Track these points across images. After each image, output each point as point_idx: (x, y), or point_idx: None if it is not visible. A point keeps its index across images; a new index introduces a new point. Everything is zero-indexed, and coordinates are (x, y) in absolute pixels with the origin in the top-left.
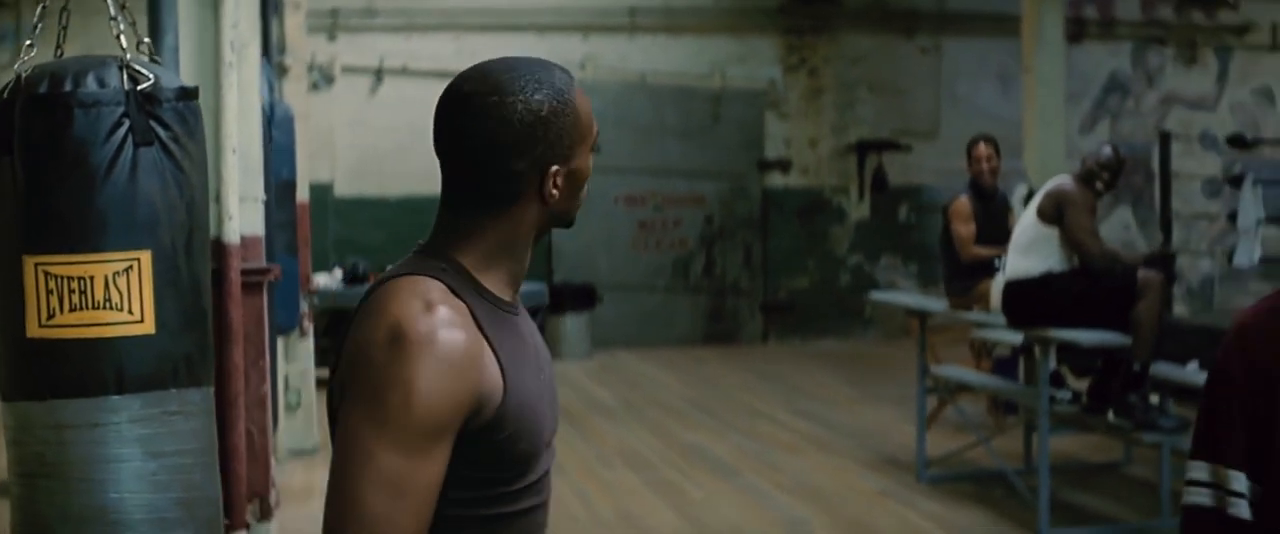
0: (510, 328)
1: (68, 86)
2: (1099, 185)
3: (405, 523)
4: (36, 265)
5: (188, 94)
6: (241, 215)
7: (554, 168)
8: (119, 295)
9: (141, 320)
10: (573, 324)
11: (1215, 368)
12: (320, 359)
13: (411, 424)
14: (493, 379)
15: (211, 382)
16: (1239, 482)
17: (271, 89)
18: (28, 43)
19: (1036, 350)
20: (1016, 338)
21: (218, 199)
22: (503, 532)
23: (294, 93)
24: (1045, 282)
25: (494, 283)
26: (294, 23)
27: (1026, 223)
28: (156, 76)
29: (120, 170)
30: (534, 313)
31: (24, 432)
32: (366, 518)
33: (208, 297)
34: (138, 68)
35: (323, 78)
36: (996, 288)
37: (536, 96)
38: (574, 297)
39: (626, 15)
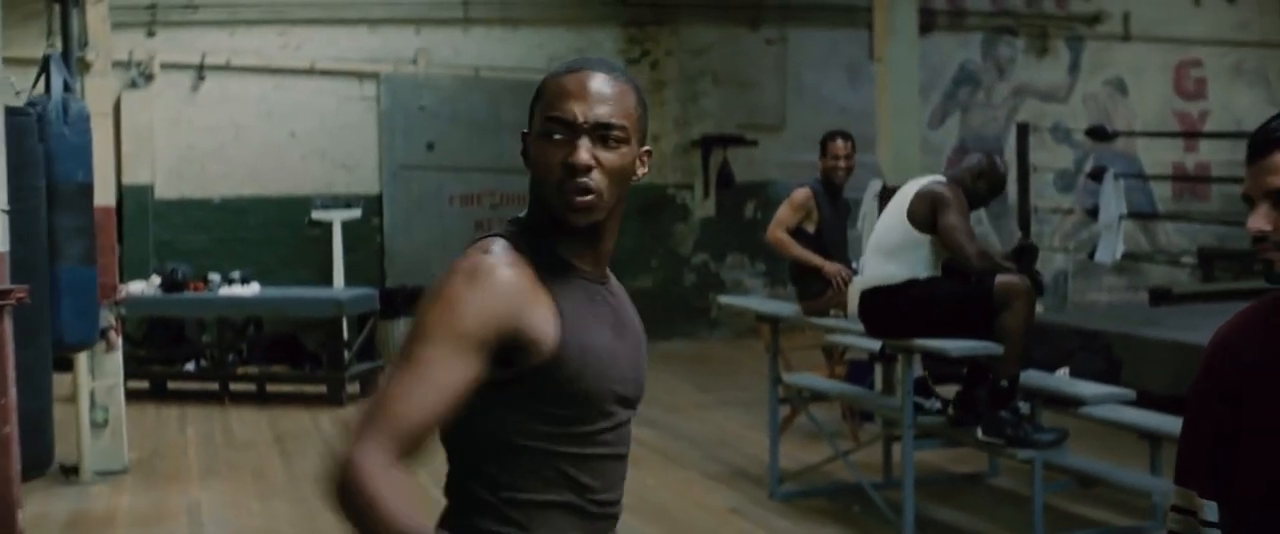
0: (582, 289)
1: None
2: (975, 196)
3: (416, 406)
4: None
5: None
6: None
7: (523, 130)
8: None
9: None
10: (406, 330)
11: (1192, 389)
12: (134, 371)
13: (443, 326)
14: (542, 318)
15: None
16: (1211, 511)
17: (67, 86)
18: None
19: (900, 360)
20: (873, 344)
21: None
22: (577, 470)
23: (99, 89)
24: (907, 288)
25: (567, 250)
26: (96, 14)
27: (891, 225)
28: None
29: None
30: (364, 318)
31: None
32: (386, 391)
33: None
34: None
35: (141, 75)
36: (854, 291)
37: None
38: (407, 300)
39: (460, 8)
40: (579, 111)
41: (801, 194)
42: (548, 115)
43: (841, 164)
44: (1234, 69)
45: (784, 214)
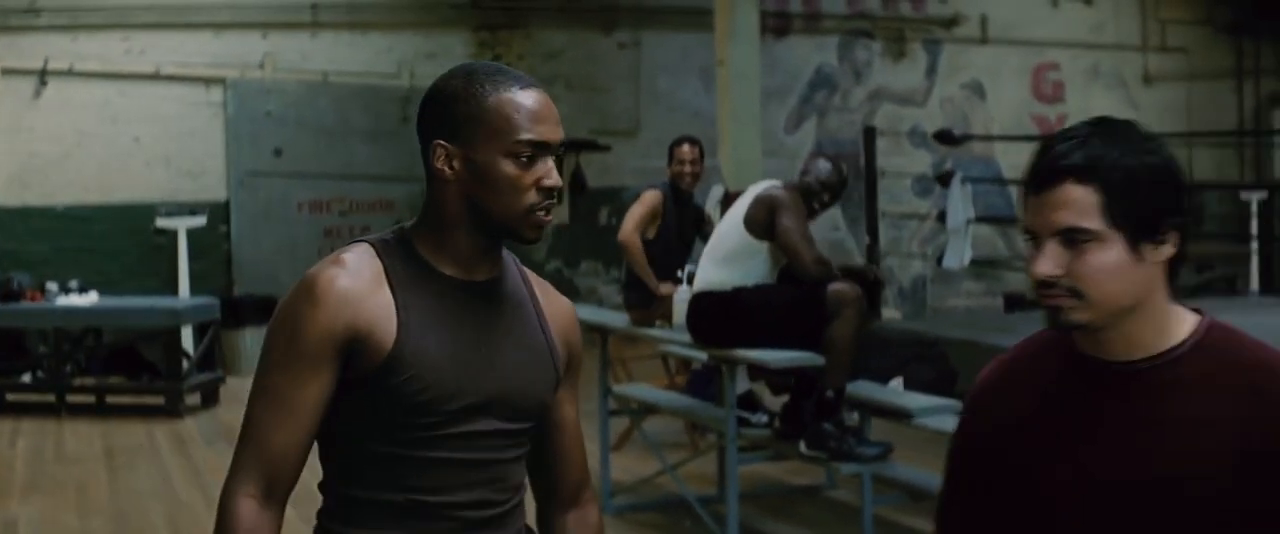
0: (443, 296)
1: None
2: (816, 205)
3: (280, 434)
4: None
5: None
6: None
7: (438, 141)
8: None
9: None
10: (253, 339)
11: (956, 431)
12: None
13: (288, 349)
14: (381, 322)
15: None
16: None
17: None
18: None
19: (723, 370)
20: (703, 355)
21: None
22: (413, 472)
23: None
24: (736, 296)
25: (437, 255)
26: None
27: (727, 231)
28: None
29: None
30: (205, 328)
31: None
32: (249, 425)
33: None
34: None
35: None
36: (681, 300)
37: (452, 81)
38: (255, 309)
39: (308, 12)
40: (551, 135)
41: (652, 195)
42: (518, 138)
43: (688, 169)
44: (1091, 72)
45: (639, 214)
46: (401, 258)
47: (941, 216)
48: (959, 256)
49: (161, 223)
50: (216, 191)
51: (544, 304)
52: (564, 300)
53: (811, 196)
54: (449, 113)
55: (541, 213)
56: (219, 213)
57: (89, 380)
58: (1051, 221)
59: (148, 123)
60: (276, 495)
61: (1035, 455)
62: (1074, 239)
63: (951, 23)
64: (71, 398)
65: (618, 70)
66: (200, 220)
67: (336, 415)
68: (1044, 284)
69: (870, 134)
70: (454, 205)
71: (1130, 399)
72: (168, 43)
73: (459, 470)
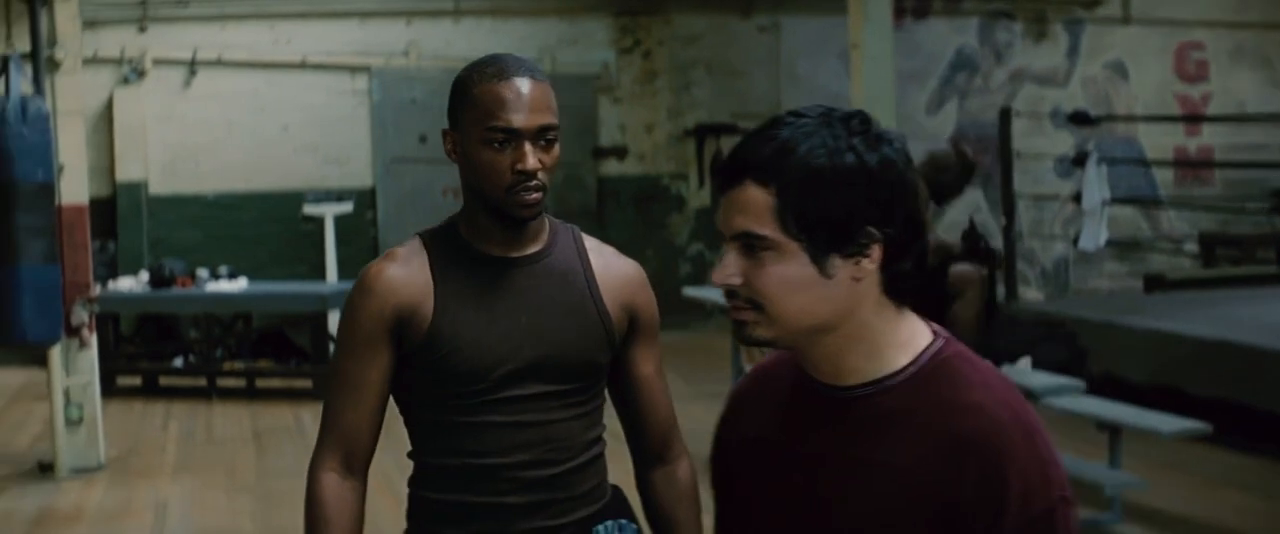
0: (478, 273)
1: None
2: (942, 190)
3: (350, 412)
4: None
5: None
6: None
7: (444, 129)
8: None
9: None
10: None
11: (713, 442)
12: (125, 367)
13: (350, 337)
14: (421, 303)
15: None
16: None
17: (37, 87)
18: None
19: None
20: None
21: None
22: (464, 436)
23: (69, 87)
24: None
25: (474, 235)
26: (65, 13)
27: None
28: None
29: None
30: None
31: None
32: (326, 407)
33: None
34: None
35: (133, 71)
36: None
37: (462, 73)
38: None
39: (451, 0)
40: (520, 121)
41: None
42: (490, 125)
43: None
44: (1235, 51)
45: None
46: (444, 242)
47: (1078, 197)
48: (1095, 238)
49: (309, 209)
50: (362, 178)
51: (599, 272)
52: (627, 266)
53: (936, 181)
54: (452, 103)
55: (522, 193)
56: (365, 199)
57: (238, 364)
58: (730, 224)
59: (295, 111)
60: (355, 467)
61: (758, 477)
62: (752, 246)
63: (1093, 2)
64: (221, 381)
65: (757, 54)
66: (346, 207)
67: (401, 391)
68: (728, 293)
69: (1006, 115)
70: (467, 188)
71: (841, 430)
72: (313, 32)
73: (509, 432)
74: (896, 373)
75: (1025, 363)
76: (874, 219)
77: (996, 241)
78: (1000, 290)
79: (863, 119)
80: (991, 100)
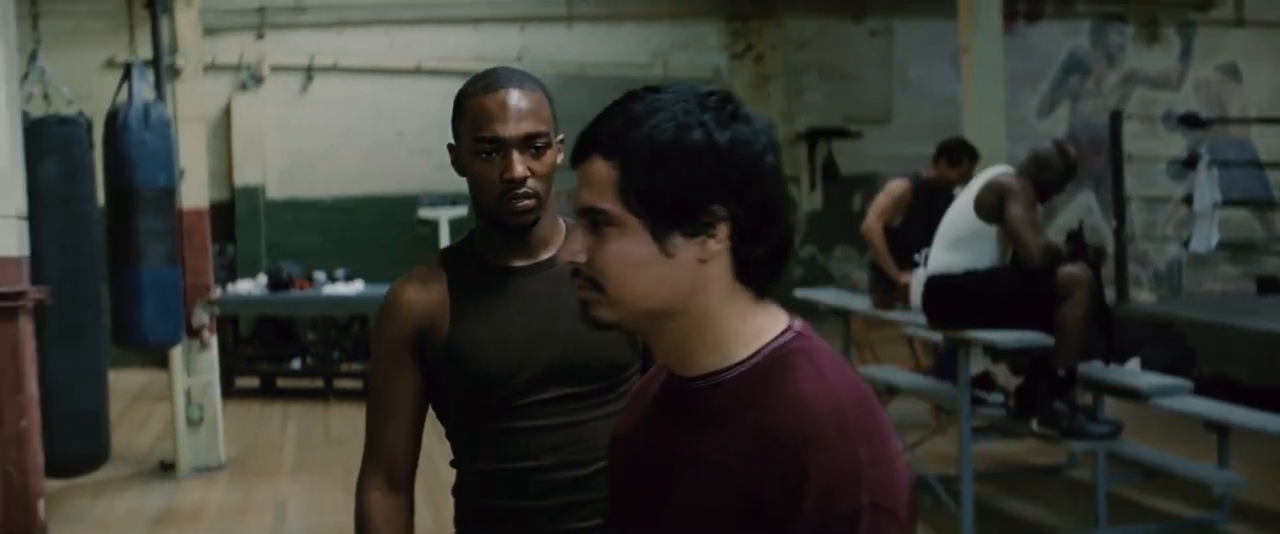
0: (490, 284)
1: None
2: (1048, 188)
3: (387, 430)
4: None
5: None
6: None
7: (449, 143)
8: None
9: None
10: None
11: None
12: (244, 368)
13: (378, 357)
14: (437, 317)
15: None
16: None
17: (159, 93)
18: None
19: (959, 351)
20: (939, 336)
21: None
22: (493, 441)
23: (190, 93)
24: (967, 279)
25: (488, 247)
26: (186, 21)
27: (958, 216)
28: None
29: None
30: None
31: None
32: (367, 427)
33: None
34: None
35: (251, 77)
36: (916, 283)
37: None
38: None
39: (564, 5)
40: (505, 130)
41: (899, 186)
42: (476, 136)
43: (957, 181)
44: None
45: (883, 204)
46: (461, 257)
47: (1189, 199)
48: (1206, 240)
49: (424, 213)
50: None
51: None
52: None
53: (1040, 179)
54: (453, 118)
55: (512, 200)
56: None
57: (355, 366)
58: (577, 199)
59: (410, 116)
60: (398, 481)
61: (623, 474)
62: (596, 222)
63: (1206, 5)
64: (338, 383)
65: (869, 58)
66: (461, 211)
67: (435, 403)
68: (572, 272)
69: (1117, 118)
70: (473, 202)
71: (679, 425)
72: (428, 38)
73: (536, 437)
74: (733, 366)
75: (1134, 364)
76: (721, 198)
77: (1105, 243)
78: (1110, 292)
79: (723, 98)
80: (1103, 103)
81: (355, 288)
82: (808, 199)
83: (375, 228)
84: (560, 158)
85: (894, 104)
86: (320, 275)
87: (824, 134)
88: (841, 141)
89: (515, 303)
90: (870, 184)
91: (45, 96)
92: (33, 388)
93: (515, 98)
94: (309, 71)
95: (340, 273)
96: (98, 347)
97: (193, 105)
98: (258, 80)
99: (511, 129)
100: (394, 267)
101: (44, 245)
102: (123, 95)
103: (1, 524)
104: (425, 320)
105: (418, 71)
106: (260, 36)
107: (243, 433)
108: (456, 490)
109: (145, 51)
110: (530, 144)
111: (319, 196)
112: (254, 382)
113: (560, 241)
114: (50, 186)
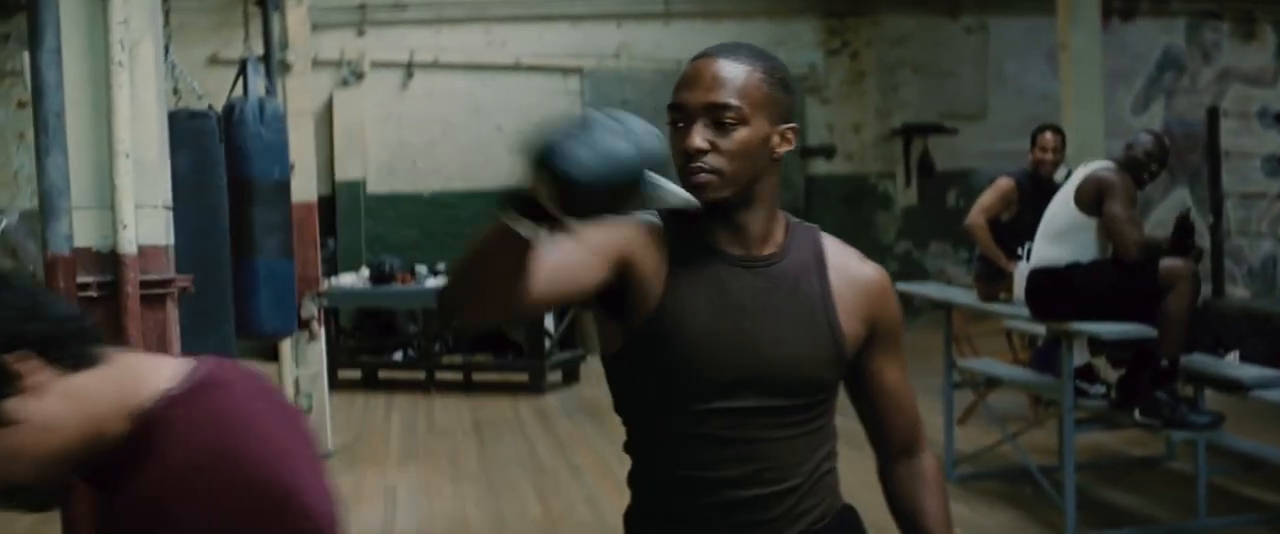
0: (711, 270)
1: None
2: (1145, 176)
3: (546, 259)
4: None
5: None
6: (138, 224)
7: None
8: None
9: None
10: None
11: None
12: (346, 360)
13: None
14: (651, 272)
15: None
16: None
17: (268, 88)
18: None
19: (1062, 343)
20: (1040, 329)
21: (112, 207)
22: (680, 450)
23: (299, 89)
24: (1070, 272)
25: (712, 230)
26: (296, 17)
27: (1059, 208)
28: None
29: None
30: (564, 309)
31: None
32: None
33: None
34: None
35: (352, 74)
36: (1020, 276)
37: None
38: None
39: (661, 2)
40: (688, 97)
41: (1006, 184)
42: (668, 105)
43: (1050, 157)
44: None
45: (989, 200)
46: (684, 229)
47: (1278, 196)
48: None
49: None
50: None
51: (836, 282)
52: (867, 273)
53: (1139, 169)
54: None
55: (690, 175)
56: None
57: (457, 359)
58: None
59: (508, 112)
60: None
61: None
62: None
63: None
64: (440, 375)
65: (964, 54)
66: None
67: (615, 392)
68: None
69: (1213, 114)
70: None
71: None
72: (527, 34)
73: (723, 447)
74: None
75: (1233, 357)
76: None
77: (1203, 239)
78: (1206, 287)
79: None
80: (1198, 100)
81: None
82: (903, 195)
83: (473, 222)
84: (784, 148)
85: (990, 101)
86: (422, 269)
87: (919, 130)
88: (937, 138)
89: (729, 295)
90: (965, 180)
91: (175, 91)
92: None
93: (717, 66)
94: (409, 68)
95: (441, 267)
96: (227, 335)
97: (302, 100)
98: (358, 76)
99: (695, 96)
100: None
101: (178, 235)
102: (237, 91)
103: None
104: (643, 260)
105: (516, 67)
106: (361, 33)
107: (348, 423)
108: (630, 483)
109: (257, 48)
110: (712, 114)
111: (418, 191)
112: (356, 374)
113: (781, 236)
114: (184, 179)
